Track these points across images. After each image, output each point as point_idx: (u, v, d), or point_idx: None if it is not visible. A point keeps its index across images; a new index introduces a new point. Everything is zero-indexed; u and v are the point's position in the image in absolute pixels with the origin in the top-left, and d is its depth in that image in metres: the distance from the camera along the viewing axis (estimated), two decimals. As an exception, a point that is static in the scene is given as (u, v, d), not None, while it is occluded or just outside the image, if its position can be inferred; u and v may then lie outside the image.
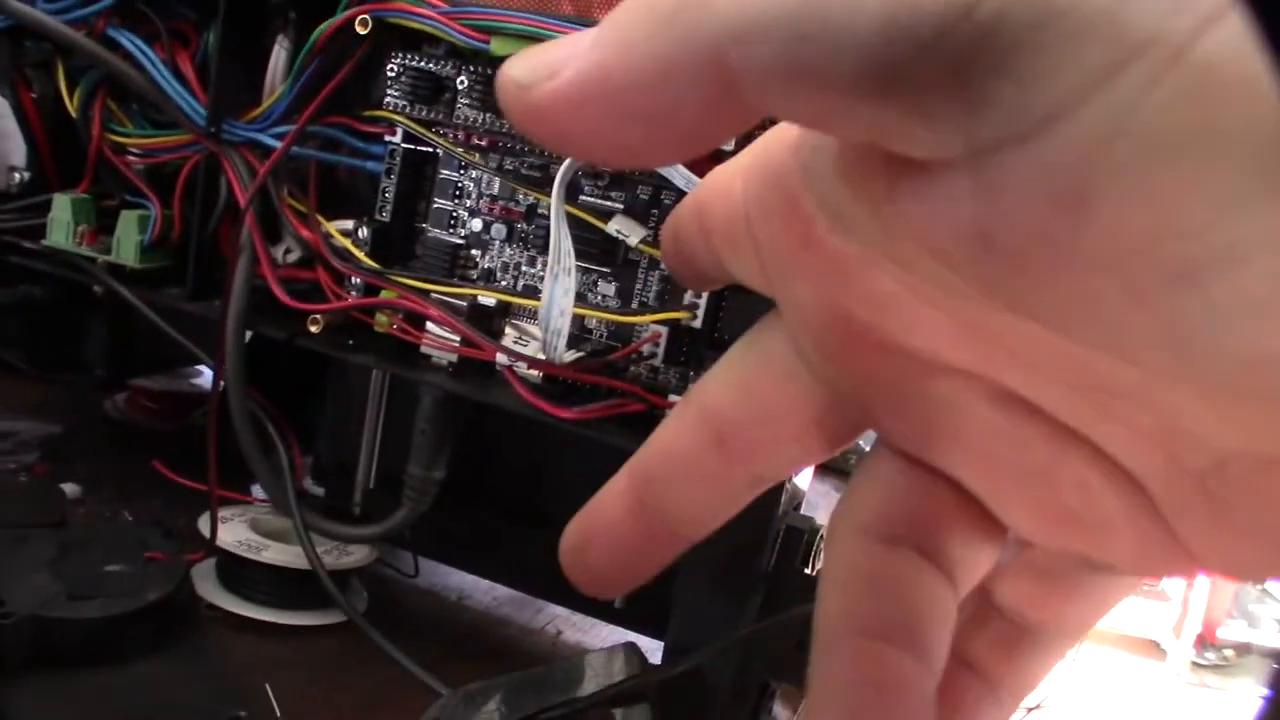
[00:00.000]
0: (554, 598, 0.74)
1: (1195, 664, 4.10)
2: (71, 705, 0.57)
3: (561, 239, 0.54)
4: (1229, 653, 4.13)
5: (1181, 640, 4.08)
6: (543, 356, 0.58)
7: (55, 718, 0.56)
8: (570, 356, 0.58)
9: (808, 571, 0.54)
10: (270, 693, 0.60)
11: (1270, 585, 4.12)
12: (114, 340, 0.82)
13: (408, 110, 0.62)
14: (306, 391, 0.78)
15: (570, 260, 0.54)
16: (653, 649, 0.59)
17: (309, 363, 0.71)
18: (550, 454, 0.71)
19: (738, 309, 0.56)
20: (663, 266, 0.59)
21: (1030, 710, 2.56)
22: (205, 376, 0.96)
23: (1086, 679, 3.86)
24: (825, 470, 1.16)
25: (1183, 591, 4.14)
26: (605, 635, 0.73)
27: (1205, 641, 4.11)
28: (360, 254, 0.63)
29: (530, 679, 0.51)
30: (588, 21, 0.56)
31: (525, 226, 0.63)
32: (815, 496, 1.10)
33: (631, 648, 0.51)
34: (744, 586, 0.53)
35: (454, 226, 0.64)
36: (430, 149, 0.64)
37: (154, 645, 0.62)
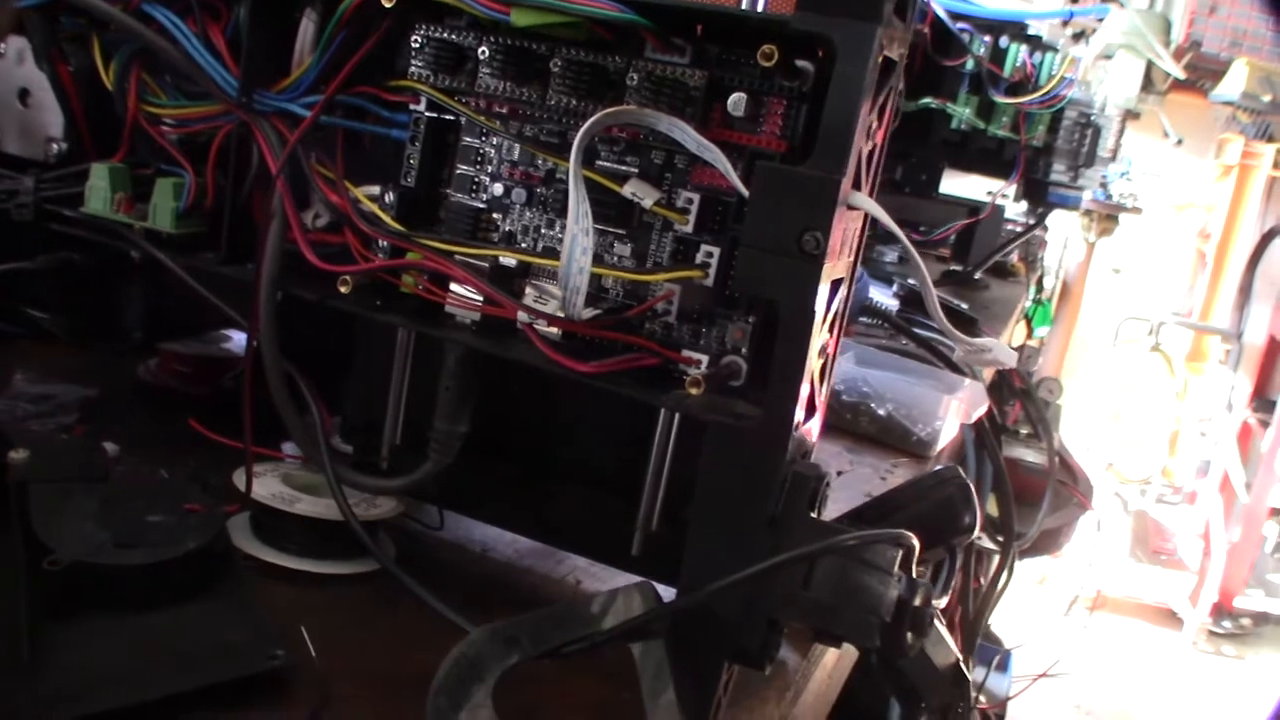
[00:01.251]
0: (573, 548, 0.77)
1: (1212, 633, 4.12)
2: (117, 646, 0.60)
3: (580, 200, 0.57)
4: (1246, 621, 4.15)
5: (1198, 609, 4.10)
6: (562, 314, 0.61)
7: (103, 658, 0.59)
8: (588, 313, 0.61)
9: (813, 515, 0.56)
10: (306, 635, 0.64)
11: (1287, 555, 4.14)
12: (150, 304, 0.86)
13: (431, 80, 0.65)
14: (332, 356, 0.81)
15: (588, 221, 0.57)
16: (668, 596, 0.62)
17: (334, 328, 0.74)
18: (569, 409, 0.74)
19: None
20: (676, 227, 0.62)
21: (1042, 675, 2.55)
22: (235, 341, 0.98)
23: (1102, 647, 3.89)
24: (835, 431, 1.18)
25: (1200, 560, 4.16)
26: (623, 583, 0.76)
27: (1222, 610, 4.12)
28: (387, 218, 0.66)
29: (552, 615, 0.54)
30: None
31: (544, 190, 0.65)
32: (826, 456, 1.13)
33: (647, 586, 0.54)
34: (753, 530, 0.56)
35: (476, 191, 0.67)
36: (453, 117, 0.67)
37: (195, 591, 0.65)
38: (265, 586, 0.70)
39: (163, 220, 0.72)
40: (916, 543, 0.57)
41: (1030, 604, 3.82)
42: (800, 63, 0.58)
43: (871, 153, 0.58)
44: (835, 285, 0.58)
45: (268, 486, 0.73)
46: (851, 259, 0.60)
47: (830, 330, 0.60)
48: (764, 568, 0.53)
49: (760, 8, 0.62)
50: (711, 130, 0.59)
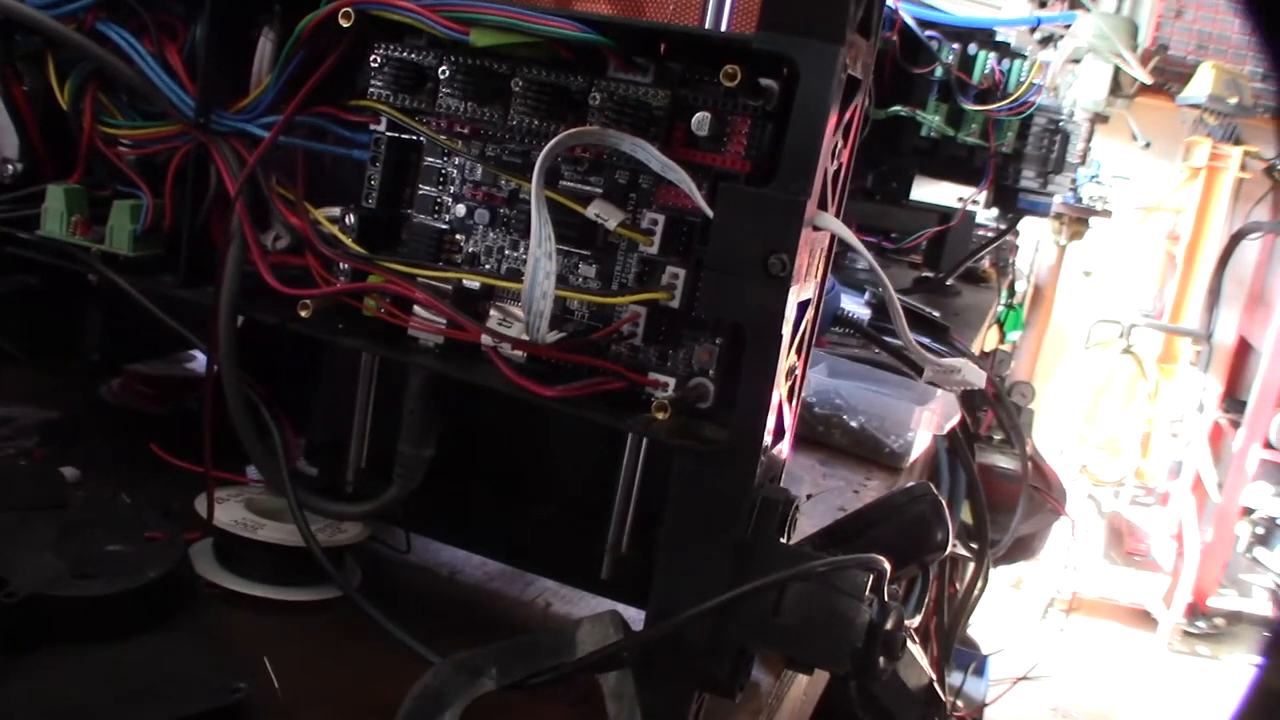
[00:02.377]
0: (541, 571, 0.76)
1: (1186, 633, 4.14)
2: (77, 680, 0.59)
3: (542, 224, 0.56)
4: (1220, 621, 4.17)
5: (1172, 609, 4.12)
6: (526, 337, 0.60)
7: (61, 692, 0.58)
8: (553, 337, 0.60)
9: (783, 540, 0.56)
10: (269, 666, 0.62)
11: (1261, 555, 4.16)
12: (109, 327, 0.84)
13: (391, 99, 0.64)
14: (299, 374, 0.80)
15: (551, 244, 0.56)
16: (637, 619, 0.61)
17: (301, 346, 0.72)
18: (537, 431, 0.73)
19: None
20: (641, 248, 0.61)
21: (1019, 679, 2.56)
22: (199, 361, 0.97)
23: (1077, 649, 3.91)
24: (808, 444, 1.18)
25: (1174, 561, 4.18)
26: (593, 606, 0.75)
27: (1196, 610, 4.15)
28: (347, 240, 0.65)
29: (519, 646, 0.53)
30: (568, 14, 0.57)
31: (508, 211, 0.64)
32: (799, 470, 1.13)
33: (614, 616, 0.53)
34: (722, 556, 0.55)
35: (438, 212, 0.66)
36: (414, 137, 0.66)
37: (155, 621, 0.64)
38: (229, 614, 0.68)
39: (120, 243, 0.71)
40: (887, 566, 0.56)
41: (1007, 608, 3.84)
42: (765, 81, 0.57)
43: (837, 172, 0.57)
44: (802, 306, 0.58)
45: (230, 513, 0.72)
46: (819, 279, 0.60)
47: (798, 352, 0.59)
48: (731, 597, 0.52)
49: (724, 27, 0.61)
50: (675, 150, 0.58)
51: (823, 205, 0.56)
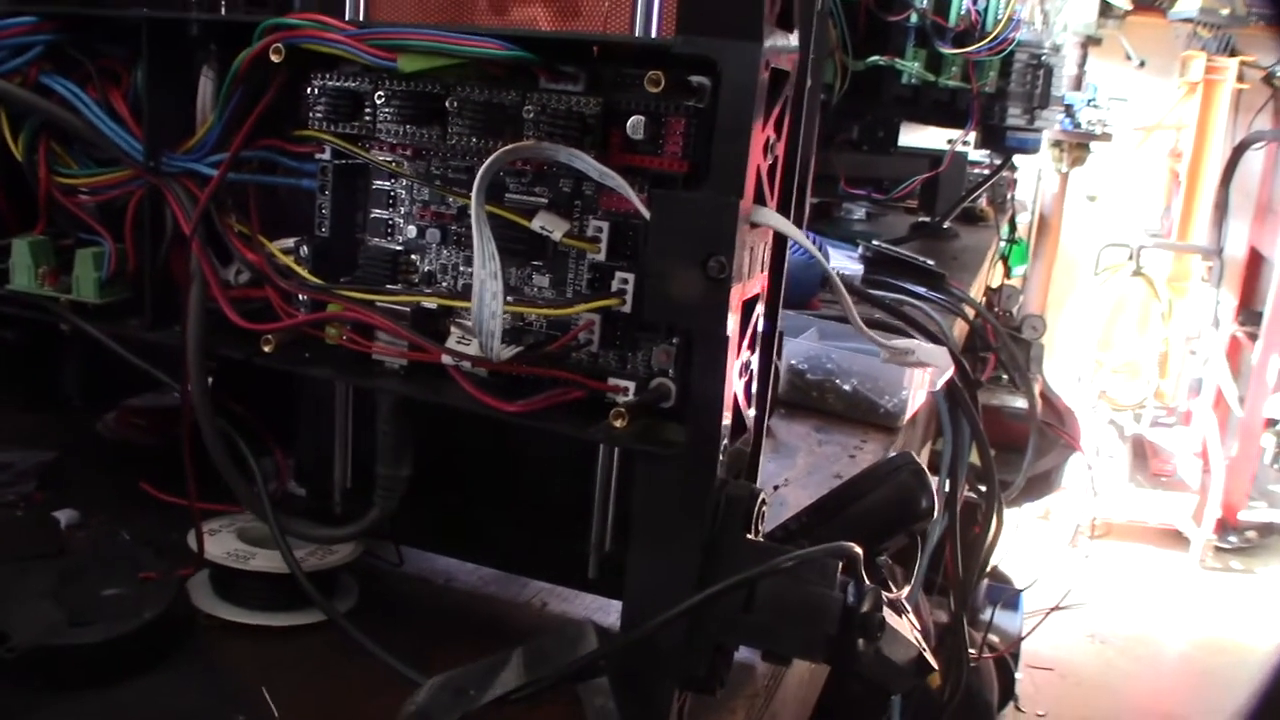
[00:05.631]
0: (532, 573, 0.77)
1: (1218, 549, 4.15)
2: (78, 727, 0.60)
3: (484, 243, 0.56)
4: (1251, 534, 4.17)
5: (1203, 527, 4.12)
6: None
7: (64, 740, 0.59)
8: (508, 353, 0.60)
9: (749, 537, 0.56)
10: (267, 695, 0.64)
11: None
12: (88, 372, 0.85)
13: (332, 128, 0.65)
14: (284, 396, 0.81)
15: (495, 264, 0.57)
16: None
17: (284, 370, 0.73)
18: (514, 438, 0.74)
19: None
20: (591, 255, 0.61)
21: (1053, 610, 2.56)
22: (189, 390, 0.98)
23: (1110, 574, 3.91)
24: (802, 410, 1.18)
25: (1200, 479, 4.18)
26: (588, 604, 0.76)
27: (1227, 526, 4.15)
28: (303, 271, 0.66)
29: (496, 663, 0.54)
30: (492, 32, 0.58)
31: (458, 228, 0.65)
32: (794, 439, 1.13)
33: (588, 624, 0.54)
34: (690, 556, 0.56)
35: (391, 234, 0.67)
36: (360, 162, 0.66)
37: (154, 661, 0.65)
38: (227, 645, 0.70)
39: (86, 291, 0.72)
40: (859, 551, 0.57)
41: (1037, 540, 3.84)
42: (696, 79, 0.57)
43: (774, 166, 0.58)
44: (750, 303, 0.58)
45: (222, 544, 0.73)
46: (766, 271, 0.60)
47: (750, 347, 0.60)
48: (697, 601, 0.53)
49: (654, 29, 0.61)
50: (613, 156, 0.59)
51: (760, 200, 0.56)
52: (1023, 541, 3.44)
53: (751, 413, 0.61)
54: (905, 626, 0.66)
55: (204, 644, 0.69)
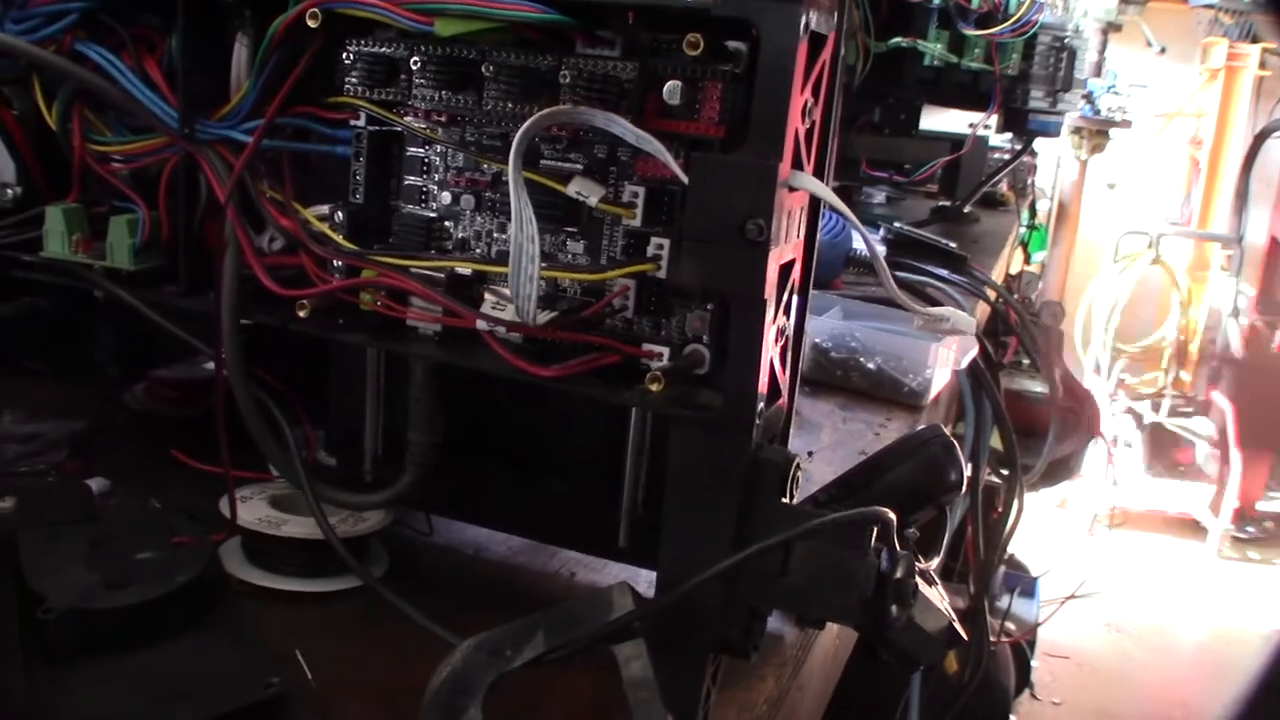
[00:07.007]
0: (560, 541, 0.77)
1: (1236, 538, 4.13)
2: (115, 687, 0.61)
3: (522, 207, 0.56)
4: (1269, 524, 4.15)
5: (1220, 517, 4.10)
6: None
7: (101, 700, 0.60)
8: (544, 317, 0.60)
9: (785, 500, 0.56)
10: (301, 658, 0.64)
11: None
12: (122, 339, 0.86)
13: (367, 94, 0.65)
14: (315, 367, 0.81)
15: (532, 228, 0.57)
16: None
17: (314, 340, 0.74)
18: (547, 405, 0.74)
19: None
20: (627, 221, 0.62)
21: (1069, 598, 2.56)
22: (217, 362, 0.98)
23: (1127, 563, 3.90)
24: (826, 389, 1.18)
25: (1218, 468, 4.15)
26: (616, 573, 0.76)
27: (1244, 515, 4.13)
28: (338, 237, 0.66)
29: (534, 622, 0.54)
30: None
31: (493, 195, 0.65)
32: (818, 416, 1.13)
33: (624, 587, 0.55)
34: (725, 520, 0.56)
35: (425, 201, 0.67)
36: (395, 128, 0.66)
37: (188, 624, 0.66)
38: (260, 610, 0.70)
39: (120, 258, 0.72)
40: (893, 516, 0.57)
41: (1054, 528, 3.84)
42: (733, 44, 0.57)
43: (810, 130, 0.57)
44: (786, 268, 0.58)
45: (254, 511, 0.74)
46: (802, 237, 0.60)
47: (785, 313, 0.60)
48: (732, 563, 0.53)
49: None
50: (650, 121, 0.59)
51: (798, 165, 0.56)
52: (1040, 529, 3.44)
53: (785, 379, 0.61)
54: (935, 596, 0.66)
55: (237, 609, 0.69)
